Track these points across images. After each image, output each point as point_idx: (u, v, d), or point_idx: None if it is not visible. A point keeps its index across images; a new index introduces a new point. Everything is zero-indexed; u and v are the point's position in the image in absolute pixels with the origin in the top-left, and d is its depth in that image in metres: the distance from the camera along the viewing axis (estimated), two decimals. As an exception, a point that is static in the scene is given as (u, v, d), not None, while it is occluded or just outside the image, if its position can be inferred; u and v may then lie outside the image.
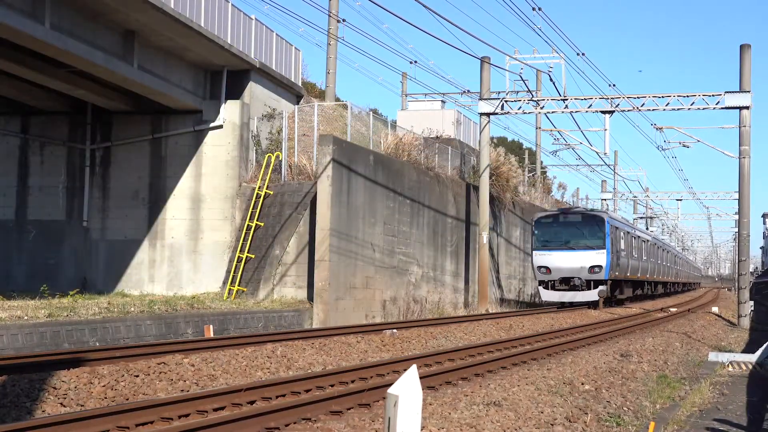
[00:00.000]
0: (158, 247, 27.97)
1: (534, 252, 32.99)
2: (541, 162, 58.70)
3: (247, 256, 25.80)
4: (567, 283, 32.11)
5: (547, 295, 32.42)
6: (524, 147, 66.06)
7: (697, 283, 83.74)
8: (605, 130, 30.98)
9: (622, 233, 35.51)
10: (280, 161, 27.38)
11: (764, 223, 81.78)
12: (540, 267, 32.50)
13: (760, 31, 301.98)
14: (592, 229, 32.52)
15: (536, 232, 33.14)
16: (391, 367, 13.73)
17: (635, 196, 67.25)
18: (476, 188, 33.35)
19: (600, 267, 31.91)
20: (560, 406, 10.48)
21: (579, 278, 31.88)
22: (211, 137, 27.74)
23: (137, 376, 11.85)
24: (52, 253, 28.59)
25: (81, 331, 16.22)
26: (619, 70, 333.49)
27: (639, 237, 40.88)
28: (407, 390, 5.91)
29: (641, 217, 72.61)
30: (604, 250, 32.09)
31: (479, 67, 32.38)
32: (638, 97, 30.12)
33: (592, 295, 32.05)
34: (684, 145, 35.78)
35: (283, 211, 25.94)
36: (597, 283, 32.04)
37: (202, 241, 27.59)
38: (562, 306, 32.47)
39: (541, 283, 32.71)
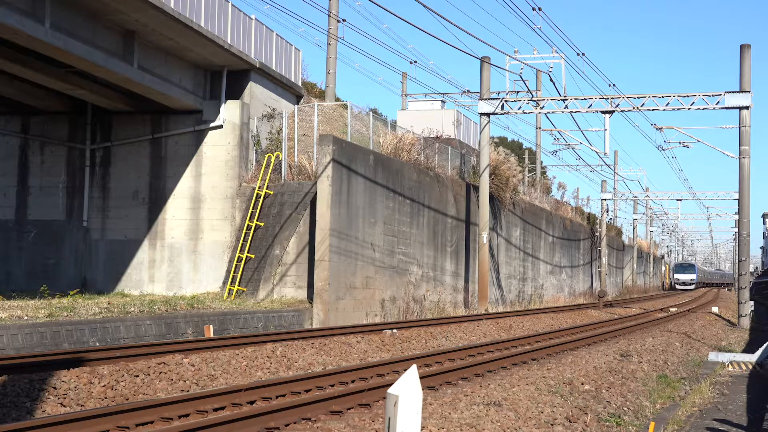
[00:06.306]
0: (158, 247, 27.97)
1: (674, 274, 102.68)
2: (541, 162, 58.66)
3: (247, 256, 25.80)
4: (684, 283, 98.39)
5: (678, 286, 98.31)
6: (524, 147, 66.07)
7: (730, 284, 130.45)
8: (605, 130, 30.99)
9: (700, 269, 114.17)
10: (280, 161, 27.37)
11: (764, 223, 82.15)
12: (676, 277, 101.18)
13: (760, 31, 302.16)
14: (692, 268, 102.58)
15: (675, 268, 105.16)
16: (391, 367, 13.74)
17: (635, 196, 67.30)
18: (476, 188, 33.34)
19: (694, 279, 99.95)
20: (560, 406, 10.48)
21: (688, 282, 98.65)
22: (211, 137, 27.74)
23: (137, 376, 11.85)
24: (52, 253, 28.60)
25: (81, 331, 16.21)
26: (619, 70, 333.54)
27: (702, 268, 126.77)
28: (407, 390, 5.91)
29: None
30: (695, 274, 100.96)
31: (479, 67, 32.38)
32: (638, 97, 30.11)
33: (691, 287, 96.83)
34: (684, 145, 35.80)
35: (283, 211, 25.93)
36: (693, 283, 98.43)
37: (202, 241, 27.59)
38: (684, 290, 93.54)
39: (676, 282, 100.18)
